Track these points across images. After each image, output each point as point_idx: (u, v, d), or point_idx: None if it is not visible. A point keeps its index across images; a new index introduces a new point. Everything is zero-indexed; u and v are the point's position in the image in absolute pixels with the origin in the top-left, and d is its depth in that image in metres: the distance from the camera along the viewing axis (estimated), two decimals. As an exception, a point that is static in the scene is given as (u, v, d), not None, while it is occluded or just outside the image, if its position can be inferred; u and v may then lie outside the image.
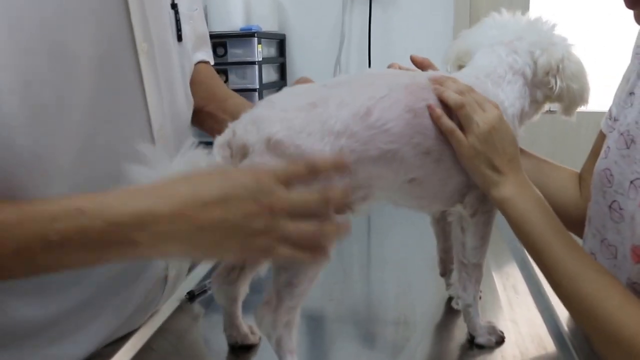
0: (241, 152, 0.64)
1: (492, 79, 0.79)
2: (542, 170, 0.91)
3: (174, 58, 0.82)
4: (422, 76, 0.78)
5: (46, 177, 0.63)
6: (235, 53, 2.35)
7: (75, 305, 0.73)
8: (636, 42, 0.84)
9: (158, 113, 0.77)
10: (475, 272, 0.79)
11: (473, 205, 0.77)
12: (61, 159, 0.64)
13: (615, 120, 0.82)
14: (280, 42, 2.66)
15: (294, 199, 0.58)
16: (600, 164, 0.80)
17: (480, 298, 0.81)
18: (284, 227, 0.57)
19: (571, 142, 2.31)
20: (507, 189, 0.72)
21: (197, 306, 0.94)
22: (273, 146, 0.63)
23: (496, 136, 0.73)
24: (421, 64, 0.86)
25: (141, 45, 0.72)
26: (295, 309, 0.66)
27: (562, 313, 0.86)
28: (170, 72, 0.80)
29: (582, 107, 0.84)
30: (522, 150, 0.94)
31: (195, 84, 0.94)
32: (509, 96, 0.79)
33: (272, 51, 2.58)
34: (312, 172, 0.59)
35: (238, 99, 1.00)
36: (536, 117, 0.86)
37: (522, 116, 0.81)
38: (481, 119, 0.72)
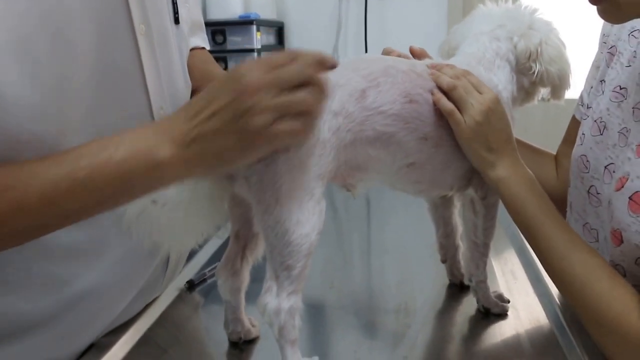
0: None
1: (483, 65, 0.81)
2: (523, 154, 0.93)
3: (172, 40, 0.81)
4: (420, 64, 0.78)
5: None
6: (234, 41, 2.34)
7: (77, 296, 0.73)
8: (602, 31, 0.87)
9: (157, 94, 0.77)
10: (486, 250, 0.83)
11: (484, 188, 0.79)
12: (65, 141, 0.64)
13: (589, 107, 0.83)
14: (279, 30, 2.65)
15: (273, 73, 0.58)
16: (576, 150, 0.82)
17: None
18: (272, 100, 0.57)
19: (563, 127, 2.31)
20: (502, 169, 0.74)
21: (196, 295, 0.94)
22: None
23: (492, 117, 0.74)
24: (419, 55, 0.86)
25: (139, 27, 0.72)
26: (296, 294, 0.66)
27: (560, 298, 0.87)
28: (168, 54, 0.80)
29: (567, 90, 0.85)
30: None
31: (191, 68, 0.94)
32: (501, 80, 0.80)
33: (270, 39, 2.57)
34: (292, 58, 0.59)
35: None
36: (530, 104, 0.87)
37: (513, 101, 0.83)
38: (477, 100, 0.74)
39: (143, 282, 0.83)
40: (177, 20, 0.83)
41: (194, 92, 0.96)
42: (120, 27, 0.70)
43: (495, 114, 0.74)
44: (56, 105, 0.62)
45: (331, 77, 0.68)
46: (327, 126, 0.66)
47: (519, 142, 0.94)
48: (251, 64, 0.58)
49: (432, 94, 0.74)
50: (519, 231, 1.10)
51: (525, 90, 0.84)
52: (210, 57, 1.06)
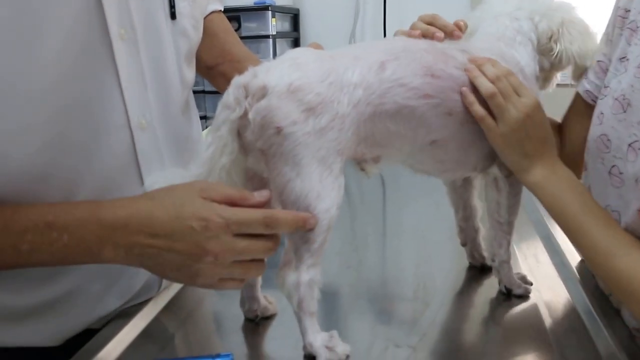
0: (260, 93, 0.64)
1: (504, 42, 0.79)
2: None
3: (166, 38, 0.78)
4: (442, 45, 0.76)
5: (8, 175, 0.63)
6: (249, 27, 2.33)
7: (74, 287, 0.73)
8: (616, 4, 0.84)
9: (136, 104, 0.73)
10: (510, 228, 0.81)
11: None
12: (32, 151, 0.64)
13: (606, 86, 0.81)
14: (295, 17, 2.63)
15: (240, 246, 0.61)
16: (594, 130, 0.79)
17: None
18: (227, 267, 0.61)
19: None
20: (537, 173, 0.73)
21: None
22: (293, 91, 0.64)
23: (529, 124, 0.73)
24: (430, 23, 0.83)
25: (118, 32, 0.69)
26: (315, 267, 0.65)
27: (587, 284, 0.85)
28: (161, 53, 0.77)
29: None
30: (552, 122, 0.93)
31: (208, 36, 0.92)
32: (523, 56, 0.79)
33: (286, 25, 2.56)
34: (268, 227, 0.62)
35: (255, 61, 0.98)
36: (549, 88, 0.85)
37: (537, 80, 0.81)
38: (515, 107, 0.72)
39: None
40: (173, 16, 0.79)
41: (209, 68, 0.95)
42: (93, 34, 0.67)
43: (533, 121, 0.73)
44: (16, 105, 0.62)
45: (349, 51, 0.69)
46: (347, 99, 0.65)
47: None
48: (224, 219, 0.60)
49: (463, 94, 0.72)
50: (544, 217, 1.10)
51: (545, 72, 0.83)
52: (228, 24, 1.03)
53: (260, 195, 0.63)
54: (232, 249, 0.60)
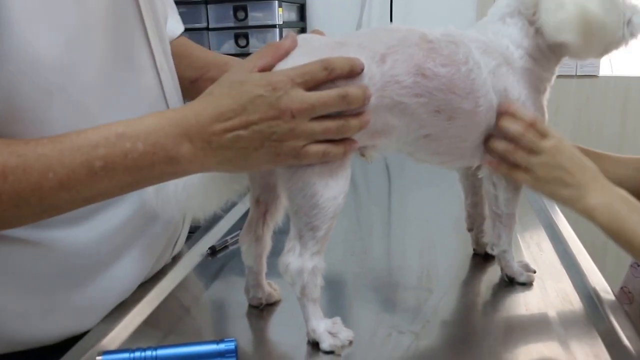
0: None
1: (493, 29, 0.77)
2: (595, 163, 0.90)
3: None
4: (433, 35, 0.73)
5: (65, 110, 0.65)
6: (255, 17, 2.32)
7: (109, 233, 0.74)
8: None
9: (159, 51, 0.78)
10: (510, 220, 0.81)
11: None
12: (87, 96, 0.66)
13: None
14: (301, 7, 2.62)
15: (313, 98, 0.59)
16: None
17: None
18: (307, 126, 0.59)
19: (596, 108, 2.26)
20: (590, 199, 0.72)
21: (218, 261, 0.94)
22: None
23: (562, 158, 0.73)
24: None
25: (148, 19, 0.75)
26: (319, 255, 0.66)
27: (590, 271, 0.85)
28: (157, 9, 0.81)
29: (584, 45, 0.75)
30: (583, 149, 0.91)
31: (185, 56, 0.94)
32: (512, 37, 0.76)
33: (292, 15, 2.55)
34: (327, 70, 0.60)
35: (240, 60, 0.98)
36: (550, 73, 0.80)
37: (534, 59, 0.77)
38: (543, 151, 0.73)
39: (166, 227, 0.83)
40: None
41: (197, 80, 0.96)
42: (130, 18, 0.73)
43: (563, 154, 0.74)
44: (74, 59, 0.64)
45: (354, 39, 0.68)
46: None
47: (587, 151, 0.88)
48: (286, 75, 0.59)
49: (492, 164, 0.77)
50: (547, 206, 1.10)
51: (543, 53, 0.77)
52: (194, 43, 1.05)
53: (289, 40, 0.64)
54: (305, 101, 0.59)
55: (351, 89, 0.61)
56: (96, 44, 0.67)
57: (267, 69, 0.62)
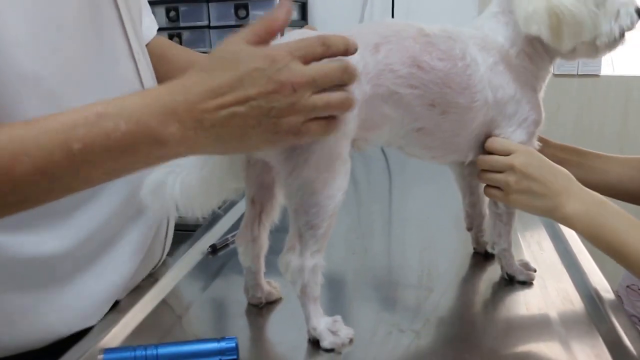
0: None
1: (489, 25, 0.78)
2: (595, 164, 0.89)
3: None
4: (431, 30, 0.74)
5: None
6: (257, 15, 2.32)
7: (93, 233, 0.72)
8: None
9: (133, 37, 0.78)
10: (509, 219, 0.82)
11: None
12: (64, 84, 0.66)
13: None
14: (303, 5, 2.62)
15: (314, 70, 0.55)
16: None
17: None
18: (309, 101, 0.55)
19: (598, 108, 2.26)
20: (567, 208, 0.73)
21: (219, 259, 0.94)
22: None
23: (531, 170, 0.74)
24: None
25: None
26: (319, 253, 0.66)
27: (590, 271, 0.85)
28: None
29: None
30: (578, 150, 0.91)
31: (163, 58, 0.93)
32: (506, 36, 0.76)
33: (293, 14, 2.55)
34: (325, 45, 0.56)
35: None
36: (546, 69, 0.79)
37: (529, 55, 0.77)
38: (511, 168, 0.74)
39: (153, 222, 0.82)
40: None
41: None
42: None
43: (531, 167, 0.74)
44: (48, 46, 0.63)
45: (348, 32, 0.67)
46: None
47: (583, 152, 0.90)
48: (285, 48, 0.55)
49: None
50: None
51: (537, 51, 0.77)
52: (171, 41, 1.04)
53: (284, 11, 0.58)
54: (306, 74, 0.55)
55: (350, 62, 0.58)
56: (70, 30, 0.66)
57: (262, 43, 0.56)
